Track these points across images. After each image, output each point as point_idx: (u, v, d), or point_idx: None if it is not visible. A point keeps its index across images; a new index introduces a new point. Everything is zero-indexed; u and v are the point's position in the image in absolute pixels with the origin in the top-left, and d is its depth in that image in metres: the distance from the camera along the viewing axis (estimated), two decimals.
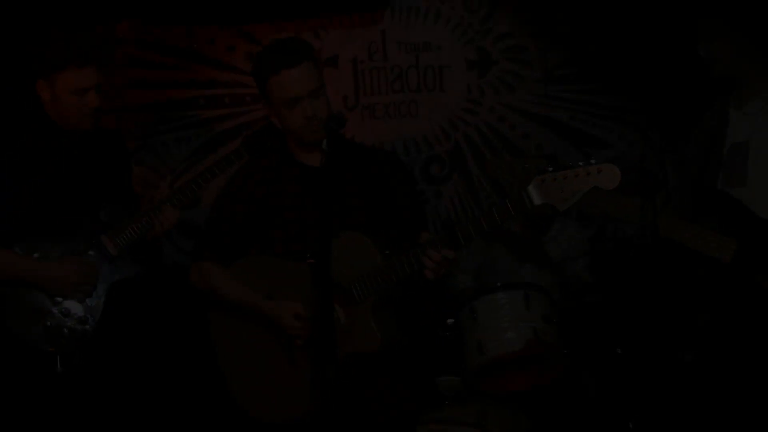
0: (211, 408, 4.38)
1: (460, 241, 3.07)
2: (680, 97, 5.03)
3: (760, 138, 3.50)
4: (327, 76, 3.77)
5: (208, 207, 5.19)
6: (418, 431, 3.45)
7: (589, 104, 5.49)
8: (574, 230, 4.77)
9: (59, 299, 3.63)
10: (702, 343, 3.60)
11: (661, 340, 4.23)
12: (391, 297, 3.26)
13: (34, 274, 3.57)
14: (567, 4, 5.46)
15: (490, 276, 4.54)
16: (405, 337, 3.31)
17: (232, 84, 5.60)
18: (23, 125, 3.65)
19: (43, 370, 3.58)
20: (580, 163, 2.90)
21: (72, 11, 4.77)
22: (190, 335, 4.90)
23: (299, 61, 3.24)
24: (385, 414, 3.30)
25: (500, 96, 5.61)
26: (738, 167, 3.53)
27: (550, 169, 2.90)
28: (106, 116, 5.19)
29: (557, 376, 4.02)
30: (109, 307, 3.67)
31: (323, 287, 2.69)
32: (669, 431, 3.93)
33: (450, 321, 4.16)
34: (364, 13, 5.55)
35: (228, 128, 5.62)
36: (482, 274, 4.62)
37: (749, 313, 3.40)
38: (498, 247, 4.69)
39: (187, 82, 5.62)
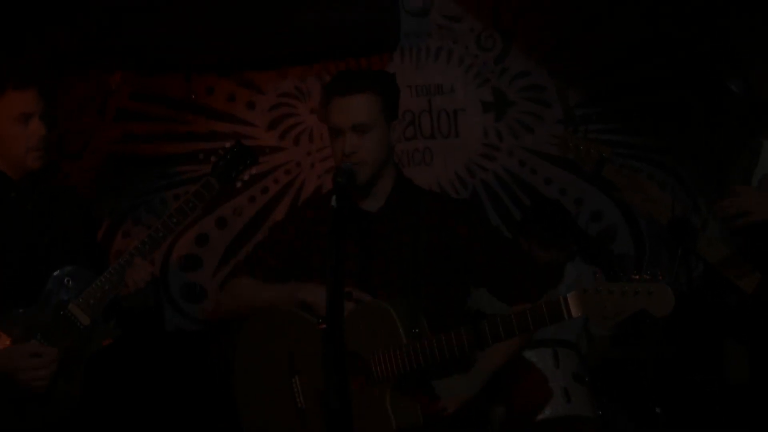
0: None
1: (488, 342, 3.03)
2: (712, 134, 5.06)
3: None
4: None
5: (212, 269, 5.49)
6: None
7: (614, 144, 5.39)
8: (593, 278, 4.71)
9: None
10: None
11: (700, 394, 4.27)
12: (415, 379, 3.16)
13: None
14: (585, 39, 5.47)
15: None
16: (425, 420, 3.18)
17: (233, 136, 5.50)
18: None
19: None
20: (635, 276, 2.82)
21: (60, 62, 4.84)
22: (197, 405, 4.99)
23: (354, 90, 3.21)
24: None
25: (519, 139, 5.59)
26: None
27: (598, 276, 2.86)
28: (100, 173, 5.47)
29: None
30: (90, 383, 3.55)
31: (334, 360, 2.58)
32: None
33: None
34: (373, 56, 5.55)
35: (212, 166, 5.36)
36: None
37: None
38: None
39: (185, 134, 5.63)
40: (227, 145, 3.65)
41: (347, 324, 2.87)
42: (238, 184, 3.70)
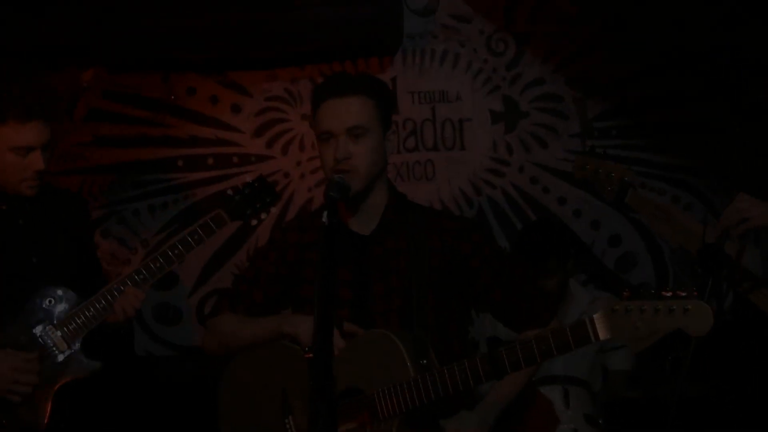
0: None
1: (506, 370, 2.98)
2: (744, 153, 5.05)
3: None
4: None
5: (189, 288, 5.48)
6: None
7: (636, 162, 5.37)
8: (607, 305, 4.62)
9: None
10: None
11: None
12: (424, 416, 3.10)
13: None
14: (607, 45, 5.42)
15: None
16: None
17: (216, 142, 5.58)
18: None
19: None
20: (666, 293, 2.78)
21: (26, 56, 4.77)
22: None
23: (350, 92, 3.19)
24: None
25: (531, 153, 5.55)
26: None
27: (626, 294, 2.83)
28: (68, 178, 5.42)
29: None
30: (56, 418, 3.49)
31: (321, 394, 2.44)
32: None
33: None
34: (370, 58, 5.53)
35: (212, 194, 5.56)
36: None
37: None
38: None
39: (163, 139, 5.62)
40: (248, 178, 3.66)
41: (347, 356, 2.96)
42: (253, 222, 3.72)
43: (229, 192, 3.68)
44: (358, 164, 3.16)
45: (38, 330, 3.49)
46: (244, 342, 3.32)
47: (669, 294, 2.77)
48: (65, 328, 3.50)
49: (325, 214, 2.76)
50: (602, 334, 2.82)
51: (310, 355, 2.72)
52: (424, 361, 3.06)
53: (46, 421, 3.48)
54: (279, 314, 3.34)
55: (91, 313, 3.48)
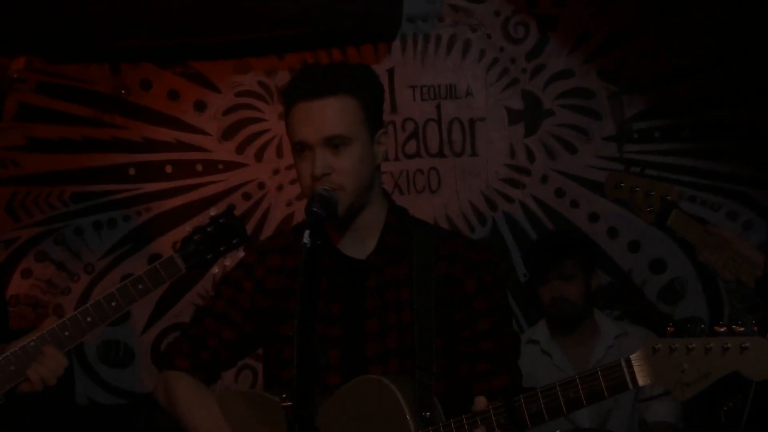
0: None
1: (527, 424, 2.91)
2: None
3: None
4: None
5: (141, 323, 5.48)
6: None
7: (683, 171, 5.28)
8: (639, 341, 4.56)
9: None
10: None
11: None
12: None
13: None
14: (648, 31, 5.24)
15: None
16: None
17: (176, 146, 5.49)
18: None
19: None
20: (719, 328, 2.68)
21: None
22: None
23: (325, 92, 3.09)
24: None
25: (556, 160, 5.42)
26: None
27: (670, 330, 2.74)
28: None
29: None
30: None
31: None
32: None
33: None
34: (363, 45, 5.44)
35: (170, 210, 5.47)
36: None
37: None
38: None
39: (111, 142, 5.52)
40: (212, 212, 3.46)
41: (334, 408, 2.93)
42: (215, 271, 3.58)
43: (188, 229, 3.46)
44: (342, 181, 3.07)
45: None
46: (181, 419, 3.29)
47: (723, 329, 2.70)
48: None
49: (306, 233, 2.77)
50: (641, 379, 2.76)
51: (288, 404, 2.68)
52: (427, 414, 3.03)
53: None
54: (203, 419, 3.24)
55: None
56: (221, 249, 3.44)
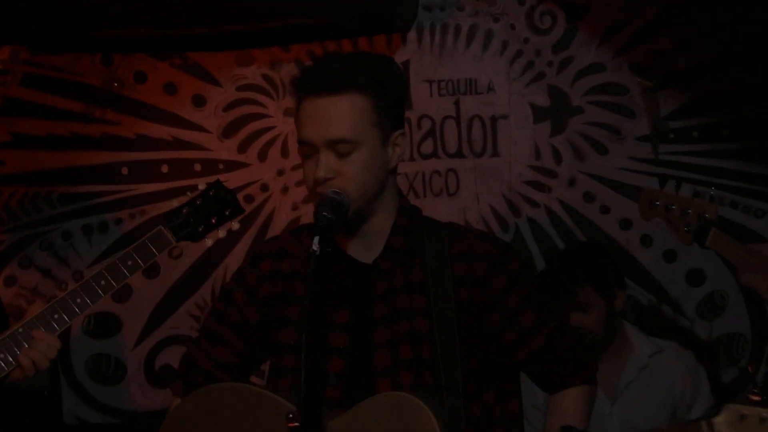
0: None
1: None
2: None
3: None
4: None
5: (134, 336, 5.48)
6: None
7: (722, 174, 5.21)
8: (676, 359, 4.65)
9: None
10: None
11: None
12: None
13: None
14: (687, 20, 5.15)
15: None
16: None
17: (173, 144, 5.46)
18: None
19: None
20: None
21: None
22: None
23: (334, 88, 3.03)
24: None
25: (585, 162, 5.35)
26: None
27: (755, 398, 2.69)
28: None
29: None
30: None
31: None
32: None
33: None
34: (376, 36, 5.39)
35: (166, 212, 5.24)
36: None
37: None
38: None
39: (103, 139, 5.49)
40: (200, 185, 3.55)
41: (352, 424, 2.87)
42: (209, 243, 3.62)
43: (175, 203, 3.54)
44: (345, 186, 3.03)
45: None
46: None
47: None
48: None
49: (316, 240, 2.78)
50: None
51: (295, 424, 2.71)
52: None
53: None
54: None
55: None
56: (212, 221, 3.50)
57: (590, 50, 5.31)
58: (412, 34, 5.36)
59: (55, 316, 3.37)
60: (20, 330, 3.35)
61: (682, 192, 4.10)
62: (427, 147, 5.38)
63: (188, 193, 3.54)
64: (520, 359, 3.23)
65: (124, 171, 5.43)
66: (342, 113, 3.02)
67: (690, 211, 3.96)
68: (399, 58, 5.28)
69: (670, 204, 4.01)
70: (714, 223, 3.93)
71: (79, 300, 3.39)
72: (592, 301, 4.57)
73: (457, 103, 5.37)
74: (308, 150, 3.05)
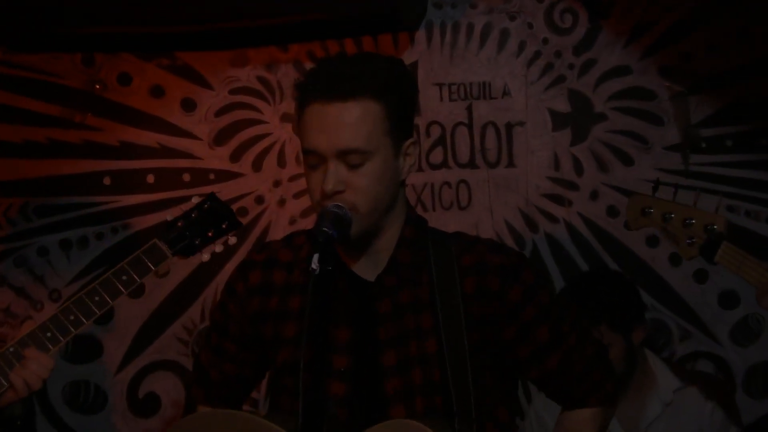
0: None
1: None
2: None
3: None
4: None
5: (116, 361, 5.45)
6: None
7: (758, 186, 5.14)
8: (705, 394, 4.58)
9: None
10: None
11: None
12: None
13: None
14: (720, 19, 5.08)
15: None
16: None
17: (159, 152, 5.41)
18: None
19: None
20: None
21: None
22: None
23: (344, 94, 3.00)
24: None
25: (609, 173, 5.26)
26: None
27: None
28: None
29: None
30: None
31: None
32: None
33: None
34: (382, 35, 5.31)
35: (152, 227, 5.39)
36: None
37: None
38: None
39: (83, 147, 5.43)
40: (194, 199, 3.57)
41: None
42: (206, 257, 3.62)
43: (169, 217, 3.54)
44: (356, 199, 3.01)
45: None
46: None
47: None
48: None
49: (315, 258, 2.81)
50: None
51: None
52: None
53: None
54: None
55: None
56: (209, 234, 3.53)
57: (615, 51, 5.23)
58: (420, 34, 5.31)
59: (48, 335, 3.39)
60: (11, 349, 3.36)
61: (702, 204, 3.85)
62: (437, 156, 5.32)
63: (181, 207, 3.55)
64: (533, 377, 3.22)
65: (107, 181, 5.38)
66: (354, 121, 2.99)
67: (694, 221, 3.80)
68: (407, 59, 5.23)
69: (668, 212, 3.85)
70: (724, 236, 3.76)
71: (72, 317, 3.40)
72: (608, 339, 4.51)
73: (469, 109, 5.30)
74: (315, 160, 3.01)
